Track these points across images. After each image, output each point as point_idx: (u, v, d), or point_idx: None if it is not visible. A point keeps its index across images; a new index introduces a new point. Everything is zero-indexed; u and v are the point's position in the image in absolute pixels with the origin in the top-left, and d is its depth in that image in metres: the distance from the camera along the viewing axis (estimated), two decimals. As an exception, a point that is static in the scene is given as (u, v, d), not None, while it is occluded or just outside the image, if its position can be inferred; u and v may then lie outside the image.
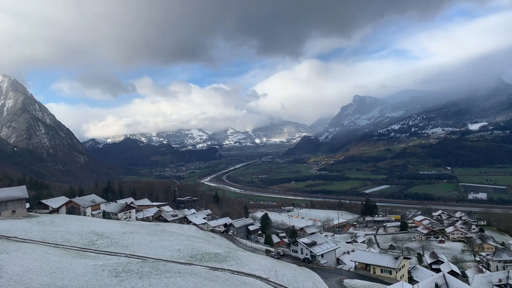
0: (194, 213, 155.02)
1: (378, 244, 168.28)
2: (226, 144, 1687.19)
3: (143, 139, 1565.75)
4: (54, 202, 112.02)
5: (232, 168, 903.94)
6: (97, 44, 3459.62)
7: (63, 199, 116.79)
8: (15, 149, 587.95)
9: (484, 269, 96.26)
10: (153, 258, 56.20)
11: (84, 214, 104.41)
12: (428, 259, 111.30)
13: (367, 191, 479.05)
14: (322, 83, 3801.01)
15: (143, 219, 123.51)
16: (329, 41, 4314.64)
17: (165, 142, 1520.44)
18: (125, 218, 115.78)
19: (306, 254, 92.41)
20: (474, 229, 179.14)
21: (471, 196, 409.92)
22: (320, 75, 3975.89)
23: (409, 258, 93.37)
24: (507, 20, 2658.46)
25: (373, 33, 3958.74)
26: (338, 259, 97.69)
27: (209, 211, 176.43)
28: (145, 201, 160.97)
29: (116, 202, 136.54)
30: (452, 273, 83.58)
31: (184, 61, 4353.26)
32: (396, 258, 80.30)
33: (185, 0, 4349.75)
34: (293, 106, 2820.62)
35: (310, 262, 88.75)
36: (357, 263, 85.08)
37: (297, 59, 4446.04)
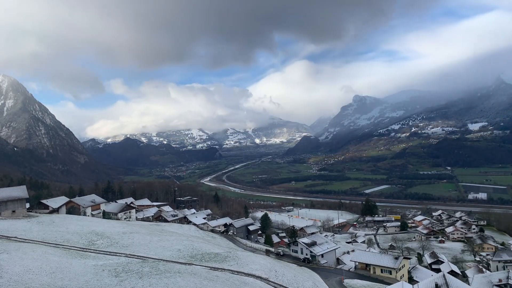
0: (194, 213, 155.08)
1: (378, 244, 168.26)
2: (226, 144, 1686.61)
3: (143, 139, 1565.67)
4: (54, 202, 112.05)
5: (232, 168, 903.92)
6: (77, 45, 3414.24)
7: (63, 199, 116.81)
8: (15, 149, 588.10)
9: (484, 269, 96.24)
10: (153, 258, 56.20)
11: (84, 214, 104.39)
12: (428, 259, 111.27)
13: (367, 191, 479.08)
14: (313, 84, 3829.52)
15: (143, 219, 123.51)
16: (316, 45, 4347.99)
17: (165, 142, 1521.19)
18: (125, 218, 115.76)
19: (306, 254, 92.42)
20: (474, 229, 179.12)
21: (471, 196, 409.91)
22: (311, 76, 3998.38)
23: (409, 258, 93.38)
24: (493, 21, 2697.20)
25: (360, 35, 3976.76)
26: (338, 259, 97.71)
27: (209, 211, 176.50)
28: (145, 201, 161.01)
29: (116, 202, 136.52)
30: (452, 273, 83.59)
31: (172, 63, 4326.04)
32: (396, 258, 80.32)
33: (171, 4, 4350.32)
34: (286, 107, 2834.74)
35: (310, 262, 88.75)
36: (357, 263, 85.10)
37: (287, 61, 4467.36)
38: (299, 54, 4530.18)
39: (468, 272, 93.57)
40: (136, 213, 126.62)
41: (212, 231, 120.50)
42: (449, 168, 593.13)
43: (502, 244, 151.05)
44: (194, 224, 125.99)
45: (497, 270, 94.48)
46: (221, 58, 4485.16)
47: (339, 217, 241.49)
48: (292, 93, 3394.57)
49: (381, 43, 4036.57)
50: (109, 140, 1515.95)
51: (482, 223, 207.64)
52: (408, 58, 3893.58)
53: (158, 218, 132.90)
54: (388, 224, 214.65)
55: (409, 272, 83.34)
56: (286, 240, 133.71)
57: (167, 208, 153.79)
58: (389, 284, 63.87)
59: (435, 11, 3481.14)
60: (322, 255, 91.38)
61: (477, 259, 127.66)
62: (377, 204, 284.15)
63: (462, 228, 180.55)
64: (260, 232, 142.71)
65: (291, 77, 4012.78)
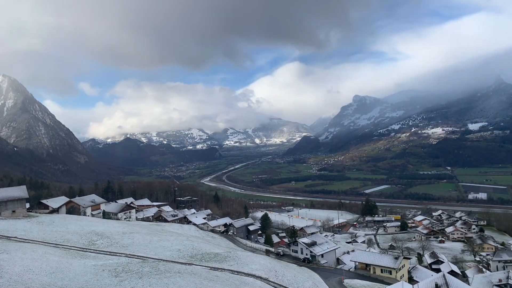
0: (194, 213, 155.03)
1: (378, 244, 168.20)
2: (226, 144, 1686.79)
3: (143, 139, 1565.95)
4: (54, 202, 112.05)
5: (232, 168, 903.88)
6: (58, 45, 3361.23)
7: (63, 199, 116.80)
8: (15, 149, 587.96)
9: (484, 269, 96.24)
10: (153, 258, 56.21)
11: (84, 214, 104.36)
12: (428, 259, 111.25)
13: (367, 191, 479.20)
14: (305, 85, 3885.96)
15: (143, 219, 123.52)
16: (302, 50, 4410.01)
17: (165, 142, 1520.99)
18: (125, 218, 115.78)
19: (306, 254, 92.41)
20: (474, 229, 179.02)
21: (471, 196, 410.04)
22: (302, 77, 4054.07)
23: (409, 258, 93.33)
24: (478, 23, 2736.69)
25: (346, 36, 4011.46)
26: (338, 259, 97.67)
27: (209, 211, 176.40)
28: (145, 201, 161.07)
29: (116, 202, 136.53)
30: (452, 273, 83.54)
31: (161, 64, 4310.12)
32: (396, 258, 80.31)
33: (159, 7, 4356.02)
34: (279, 108, 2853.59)
35: (310, 262, 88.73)
36: (357, 263, 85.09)
37: (278, 63, 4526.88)
38: (289, 56, 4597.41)
39: (468, 272, 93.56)
40: (136, 213, 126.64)
41: (212, 231, 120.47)
42: (449, 168, 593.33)
43: (502, 244, 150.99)
44: (194, 224, 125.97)
45: (497, 270, 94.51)
46: (213, 61, 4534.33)
47: (339, 217, 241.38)
48: (284, 95, 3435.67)
49: (367, 45, 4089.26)
50: (109, 140, 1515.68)
51: (482, 223, 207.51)
52: (396, 59, 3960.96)
53: (158, 218, 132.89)
54: (388, 224, 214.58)
55: (409, 272, 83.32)
56: (286, 240, 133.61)
57: (167, 208, 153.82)
58: (389, 284, 63.88)
59: (419, 12, 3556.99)
60: (322, 255, 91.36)
61: (477, 259, 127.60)
62: (377, 204, 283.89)
63: (462, 228, 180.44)
64: (260, 232, 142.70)
65: (282, 79, 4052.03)
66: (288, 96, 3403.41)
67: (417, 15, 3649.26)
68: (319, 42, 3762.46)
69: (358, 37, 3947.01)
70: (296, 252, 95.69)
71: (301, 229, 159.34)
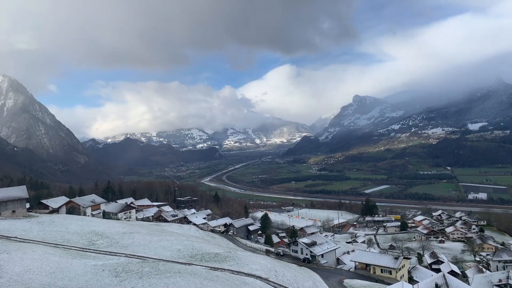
0: (194, 213, 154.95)
1: (378, 244, 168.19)
2: (226, 144, 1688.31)
3: (143, 139, 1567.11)
4: (54, 202, 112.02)
5: (232, 168, 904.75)
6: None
7: (63, 199, 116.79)
8: (15, 149, 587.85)
9: (484, 269, 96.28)
10: (153, 258, 56.20)
11: (84, 214, 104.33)
12: (428, 259, 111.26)
13: (367, 191, 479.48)
14: (295, 87, 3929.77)
15: (143, 219, 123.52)
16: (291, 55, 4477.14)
17: (165, 142, 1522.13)
18: (125, 218, 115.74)
19: (306, 254, 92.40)
20: (474, 229, 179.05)
21: (471, 196, 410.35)
22: (292, 79, 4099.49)
23: (409, 258, 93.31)
24: (463, 24, 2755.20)
25: (336, 39, 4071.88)
26: (338, 259, 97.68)
27: (209, 211, 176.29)
28: (145, 201, 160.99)
29: (116, 202, 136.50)
30: (452, 273, 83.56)
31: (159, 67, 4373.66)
32: (396, 258, 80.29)
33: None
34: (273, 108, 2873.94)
35: (310, 262, 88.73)
36: (357, 263, 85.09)
37: (271, 66, 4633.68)
38: (279, 60, 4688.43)
39: (468, 272, 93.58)
40: (136, 213, 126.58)
41: (212, 231, 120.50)
42: (449, 168, 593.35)
43: (502, 244, 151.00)
44: (194, 224, 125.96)
45: (497, 270, 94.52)
46: (209, 64, 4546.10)
47: (339, 217, 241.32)
48: (277, 96, 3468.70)
49: (354, 46, 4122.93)
50: (109, 140, 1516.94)
51: (482, 223, 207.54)
52: (383, 61, 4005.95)
53: (158, 218, 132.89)
54: (388, 224, 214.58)
55: (409, 272, 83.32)
56: (286, 240, 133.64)
57: (167, 208, 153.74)
58: (389, 284, 63.87)
59: (405, 13, 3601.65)
60: (322, 255, 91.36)
61: (477, 259, 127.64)
62: (377, 204, 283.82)
63: (462, 228, 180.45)
64: (260, 232, 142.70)
65: (274, 81, 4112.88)
66: (283, 97, 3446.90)
67: (402, 17, 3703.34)
68: (308, 45, 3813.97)
69: (347, 39, 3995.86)
70: (296, 252, 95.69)
71: (301, 229, 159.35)
